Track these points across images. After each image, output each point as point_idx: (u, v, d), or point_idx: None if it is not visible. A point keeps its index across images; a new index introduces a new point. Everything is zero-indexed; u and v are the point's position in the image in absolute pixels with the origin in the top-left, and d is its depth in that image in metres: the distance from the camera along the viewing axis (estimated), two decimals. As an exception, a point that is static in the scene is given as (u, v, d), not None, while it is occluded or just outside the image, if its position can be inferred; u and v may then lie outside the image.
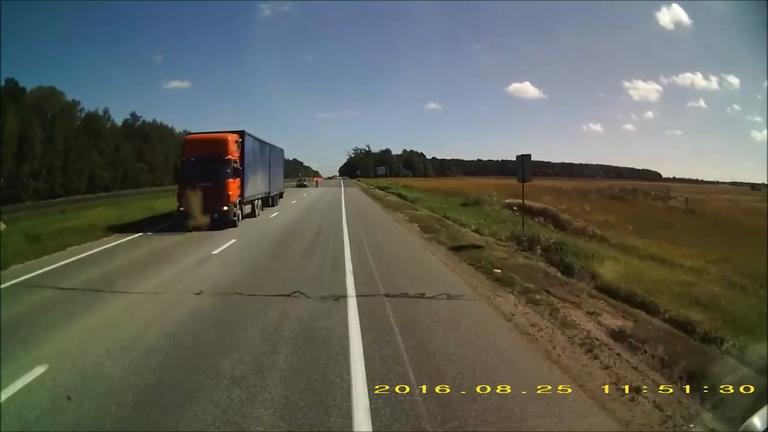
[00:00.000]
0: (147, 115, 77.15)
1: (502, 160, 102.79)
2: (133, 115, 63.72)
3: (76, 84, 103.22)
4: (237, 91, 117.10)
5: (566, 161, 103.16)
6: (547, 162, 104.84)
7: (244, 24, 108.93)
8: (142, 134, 61.09)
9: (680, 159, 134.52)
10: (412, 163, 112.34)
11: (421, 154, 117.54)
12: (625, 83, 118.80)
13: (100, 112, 54.01)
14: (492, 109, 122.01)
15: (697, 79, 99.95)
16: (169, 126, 68.47)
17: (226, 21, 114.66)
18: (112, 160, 52.04)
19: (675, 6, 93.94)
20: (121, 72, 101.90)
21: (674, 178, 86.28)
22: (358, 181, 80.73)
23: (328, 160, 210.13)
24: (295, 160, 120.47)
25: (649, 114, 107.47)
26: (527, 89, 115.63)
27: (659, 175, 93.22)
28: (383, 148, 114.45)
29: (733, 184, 64.73)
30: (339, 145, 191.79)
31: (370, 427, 2.94)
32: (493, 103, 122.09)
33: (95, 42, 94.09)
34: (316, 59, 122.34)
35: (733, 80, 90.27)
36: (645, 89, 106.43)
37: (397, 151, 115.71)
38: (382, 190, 43.09)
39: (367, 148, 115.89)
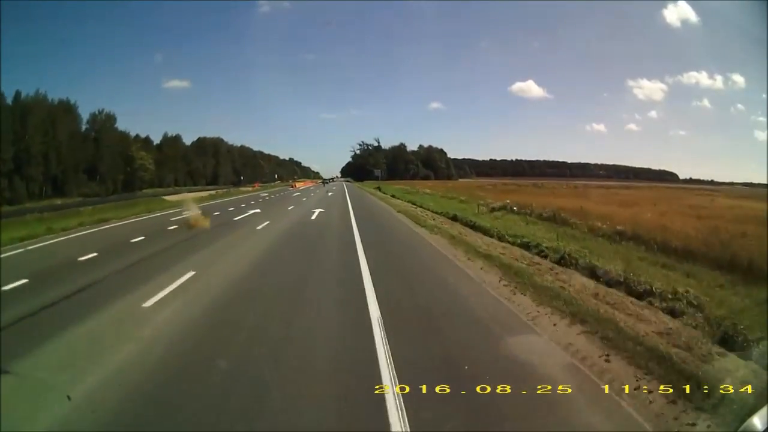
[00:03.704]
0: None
1: (516, 160, 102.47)
2: None
3: (76, 84, 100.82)
4: (237, 90, 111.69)
5: (581, 162, 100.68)
6: (563, 162, 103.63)
7: (243, 21, 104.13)
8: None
9: (684, 159, 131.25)
10: (432, 162, 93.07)
11: (442, 150, 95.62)
12: (630, 82, 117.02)
13: None
14: (496, 109, 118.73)
15: (702, 78, 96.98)
16: (81, 104, 48.69)
17: (224, 18, 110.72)
18: None
19: (681, 3, 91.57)
20: (119, 71, 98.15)
21: (690, 179, 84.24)
22: (380, 188, 46.79)
23: (331, 161, 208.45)
24: (291, 159, 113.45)
25: (653, 113, 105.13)
26: (531, 88, 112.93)
27: (676, 176, 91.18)
28: (395, 144, 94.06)
29: (747, 185, 63.09)
30: (342, 145, 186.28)
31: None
32: (497, 102, 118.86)
33: (93, 41, 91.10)
34: (317, 58, 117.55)
35: (738, 79, 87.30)
36: (650, 88, 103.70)
37: (412, 146, 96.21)
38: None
39: (376, 143, 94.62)
